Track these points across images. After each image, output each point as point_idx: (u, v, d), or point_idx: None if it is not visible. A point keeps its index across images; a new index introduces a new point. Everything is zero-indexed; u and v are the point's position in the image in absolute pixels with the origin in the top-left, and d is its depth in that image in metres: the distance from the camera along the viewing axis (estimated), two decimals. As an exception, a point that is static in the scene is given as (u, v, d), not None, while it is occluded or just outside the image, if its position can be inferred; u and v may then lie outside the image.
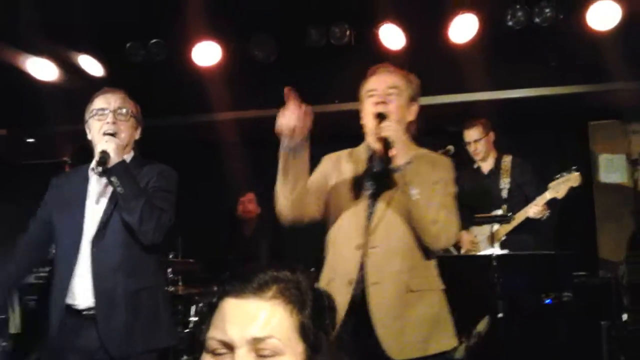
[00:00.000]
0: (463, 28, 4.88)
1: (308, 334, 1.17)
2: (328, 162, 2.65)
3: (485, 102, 5.28)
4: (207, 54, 5.24)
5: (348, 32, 5.08)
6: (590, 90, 5.23)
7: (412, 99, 2.56)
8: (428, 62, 5.09)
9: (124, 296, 2.55)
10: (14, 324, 4.43)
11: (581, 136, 6.16)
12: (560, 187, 4.33)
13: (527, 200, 4.50)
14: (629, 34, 4.75)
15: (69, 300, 2.60)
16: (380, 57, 5.05)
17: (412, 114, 2.57)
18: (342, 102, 5.42)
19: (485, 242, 4.46)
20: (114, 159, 2.60)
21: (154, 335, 2.60)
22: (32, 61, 5.23)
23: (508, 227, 4.44)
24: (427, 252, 2.44)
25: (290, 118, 2.24)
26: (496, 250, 4.29)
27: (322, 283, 2.47)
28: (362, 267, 2.40)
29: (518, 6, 4.85)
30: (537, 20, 4.86)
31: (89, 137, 2.79)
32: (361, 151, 2.62)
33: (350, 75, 5.19)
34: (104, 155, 2.59)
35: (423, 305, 2.39)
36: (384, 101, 2.48)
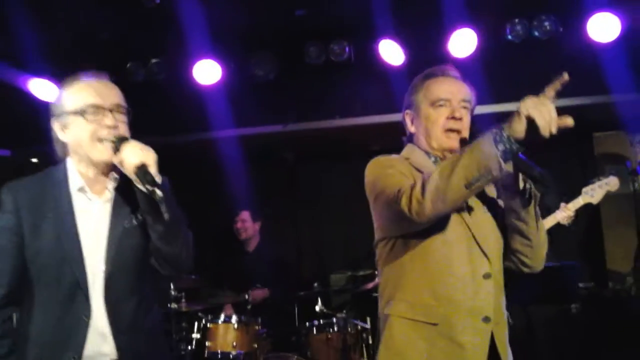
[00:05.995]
0: (462, 43, 4.88)
1: None
2: (401, 166, 2.17)
3: (486, 115, 5.26)
4: (207, 72, 5.26)
5: (347, 49, 5.09)
6: (593, 102, 5.20)
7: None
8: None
9: None
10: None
11: (586, 147, 6.14)
12: (595, 192, 4.06)
13: (549, 211, 4.32)
14: (630, 45, 4.76)
15: None
16: (380, 72, 5.06)
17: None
18: (343, 117, 5.41)
19: None
20: (155, 174, 1.92)
21: None
22: (33, 82, 5.24)
23: None
24: None
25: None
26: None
27: (421, 315, 2.06)
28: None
29: (517, 20, 4.85)
30: (536, 33, 4.86)
31: (65, 139, 2.17)
32: (423, 158, 2.22)
33: (350, 91, 5.27)
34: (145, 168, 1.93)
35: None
36: (460, 117, 2.18)
